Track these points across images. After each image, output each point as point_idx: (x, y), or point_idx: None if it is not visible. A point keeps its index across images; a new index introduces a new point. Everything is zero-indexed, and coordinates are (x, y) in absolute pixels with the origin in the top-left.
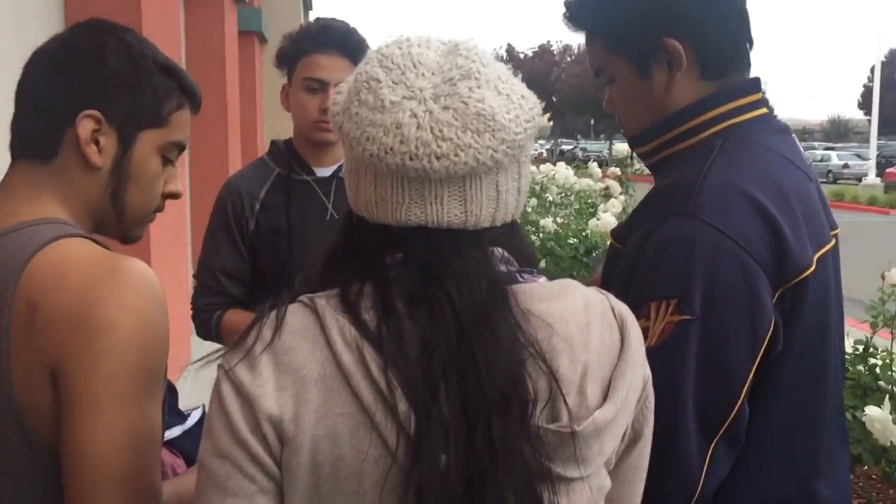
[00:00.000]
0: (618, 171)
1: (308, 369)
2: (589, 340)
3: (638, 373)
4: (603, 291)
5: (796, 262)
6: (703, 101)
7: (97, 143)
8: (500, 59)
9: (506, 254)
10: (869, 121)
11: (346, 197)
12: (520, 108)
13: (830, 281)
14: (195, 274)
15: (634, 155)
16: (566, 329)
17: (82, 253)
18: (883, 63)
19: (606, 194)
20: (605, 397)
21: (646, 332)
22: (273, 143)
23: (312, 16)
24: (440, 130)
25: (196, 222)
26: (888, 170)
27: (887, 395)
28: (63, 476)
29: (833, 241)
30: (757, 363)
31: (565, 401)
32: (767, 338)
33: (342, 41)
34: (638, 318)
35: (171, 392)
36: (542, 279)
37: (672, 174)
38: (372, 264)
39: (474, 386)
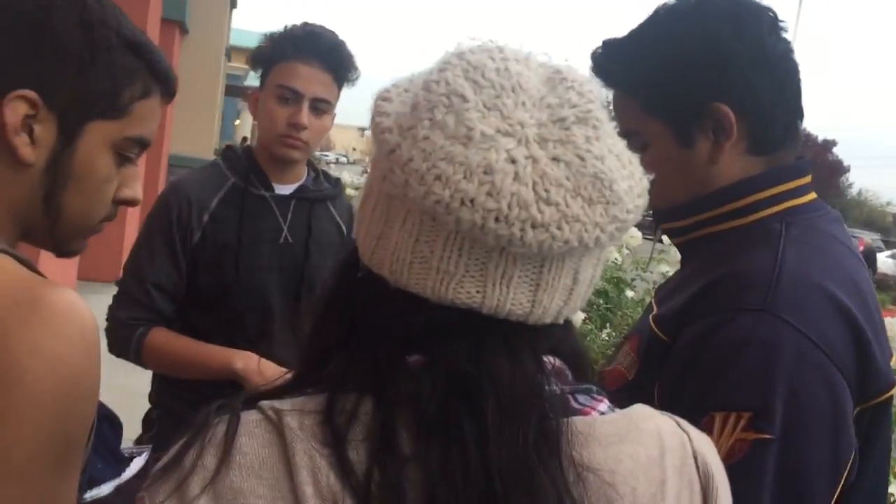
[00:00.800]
0: None
1: None
2: None
3: None
4: (682, 424)
5: (881, 378)
6: (753, 179)
7: (30, 131)
8: None
9: (558, 363)
10: None
11: (303, 220)
12: (631, 176)
13: None
14: (119, 281)
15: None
16: (633, 494)
17: None
18: None
19: None
20: None
21: None
22: (229, 148)
23: (237, 14)
24: (546, 190)
25: None
26: None
27: None
28: None
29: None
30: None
31: None
32: (849, 465)
33: (327, 52)
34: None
35: (113, 427)
36: (604, 404)
37: (728, 259)
38: (378, 368)
39: None
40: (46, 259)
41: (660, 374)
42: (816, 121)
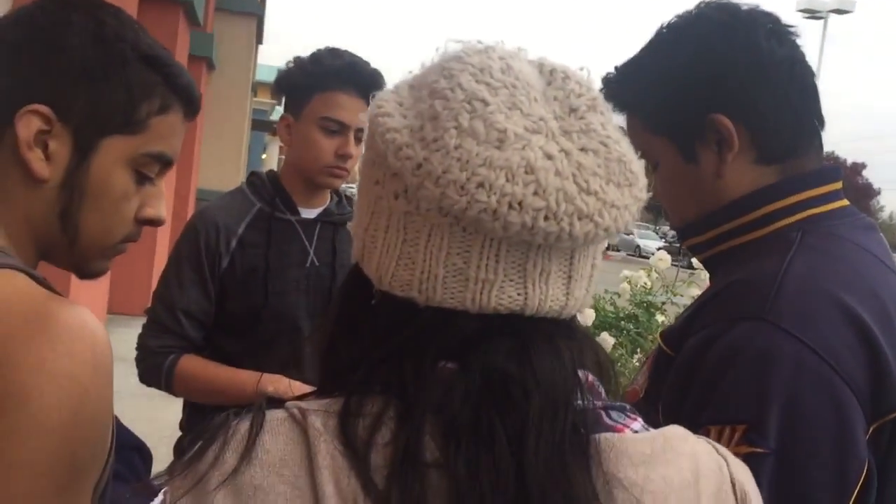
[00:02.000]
0: None
1: None
2: None
3: None
4: (720, 449)
5: None
6: (767, 189)
7: (45, 147)
8: None
9: (590, 377)
10: None
11: (328, 243)
12: (636, 158)
13: None
14: (148, 309)
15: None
16: None
17: (6, 291)
18: None
19: None
20: None
21: None
22: (254, 174)
23: (263, 49)
24: (585, 181)
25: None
26: None
27: None
28: None
29: None
30: None
31: None
32: (859, 484)
33: (369, 84)
34: None
35: (143, 457)
36: (638, 422)
37: (739, 270)
38: (405, 376)
39: None
40: (76, 292)
41: (665, 387)
42: (846, 144)
